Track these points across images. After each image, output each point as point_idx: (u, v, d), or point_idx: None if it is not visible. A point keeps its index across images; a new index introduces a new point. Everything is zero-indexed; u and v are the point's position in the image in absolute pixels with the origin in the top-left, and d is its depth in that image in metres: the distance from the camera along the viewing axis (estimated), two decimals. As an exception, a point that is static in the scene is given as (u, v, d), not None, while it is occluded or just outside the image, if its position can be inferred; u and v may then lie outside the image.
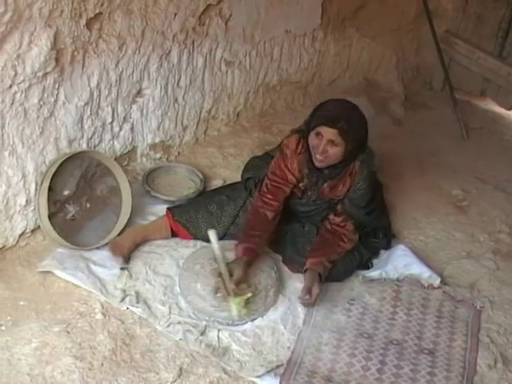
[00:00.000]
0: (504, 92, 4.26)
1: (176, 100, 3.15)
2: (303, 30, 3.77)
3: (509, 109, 4.32)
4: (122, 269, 2.44)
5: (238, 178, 2.95)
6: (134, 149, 3.04)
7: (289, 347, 2.24)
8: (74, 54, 2.42)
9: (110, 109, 2.75)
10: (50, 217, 2.43)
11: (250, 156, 3.16)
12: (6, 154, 2.30)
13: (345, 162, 2.38)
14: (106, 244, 2.54)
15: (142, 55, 2.80)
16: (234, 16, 3.23)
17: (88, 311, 2.25)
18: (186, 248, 2.59)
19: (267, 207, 2.49)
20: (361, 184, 2.43)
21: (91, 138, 2.71)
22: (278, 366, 2.15)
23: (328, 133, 2.25)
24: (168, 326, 2.24)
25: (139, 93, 2.92)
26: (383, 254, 2.72)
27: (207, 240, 2.41)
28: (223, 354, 2.17)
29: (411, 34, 4.49)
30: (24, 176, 2.39)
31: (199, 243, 2.61)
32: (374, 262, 2.68)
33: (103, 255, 2.49)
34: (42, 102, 2.35)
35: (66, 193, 2.51)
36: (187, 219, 2.61)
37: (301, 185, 2.52)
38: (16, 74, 2.18)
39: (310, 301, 2.32)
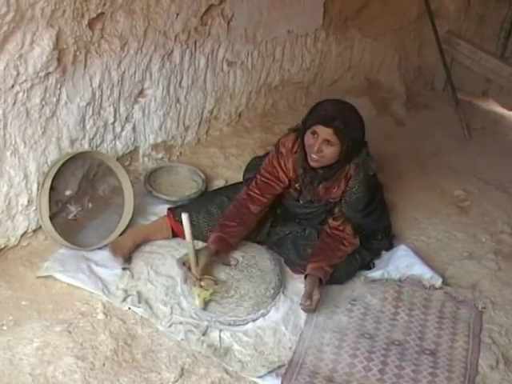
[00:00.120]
0: (506, 92, 4.26)
1: (178, 100, 3.15)
2: (305, 31, 3.77)
3: (511, 109, 4.32)
4: (124, 269, 2.44)
5: (239, 178, 2.94)
6: (135, 149, 3.04)
7: (290, 347, 2.24)
8: (76, 54, 2.42)
9: (112, 109, 2.75)
10: (52, 217, 2.43)
11: (251, 156, 3.14)
12: (8, 153, 2.30)
13: (340, 163, 2.36)
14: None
15: (144, 55, 2.80)
16: (236, 16, 3.23)
17: (90, 311, 2.25)
18: (187, 248, 2.58)
19: (251, 201, 2.48)
20: (357, 188, 2.40)
21: (93, 138, 2.71)
22: (279, 367, 2.15)
23: (324, 132, 2.24)
24: (170, 326, 2.24)
25: (141, 93, 2.93)
26: (385, 254, 2.72)
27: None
28: (225, 355, 2.17)
29: (413, 34, 4.49)
30: (26, 176, 2.39)
31: (200, 244, 2.61)
32: (376, 262, 2.68)
33: (105, 255, 2.49)
34: (44, 102, 2.36)
35: (67, 193, 2.51)
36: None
37: (297, 185, 2.50)
38: (18, 74, 2.18)
39: (311, 307, 2.31)
